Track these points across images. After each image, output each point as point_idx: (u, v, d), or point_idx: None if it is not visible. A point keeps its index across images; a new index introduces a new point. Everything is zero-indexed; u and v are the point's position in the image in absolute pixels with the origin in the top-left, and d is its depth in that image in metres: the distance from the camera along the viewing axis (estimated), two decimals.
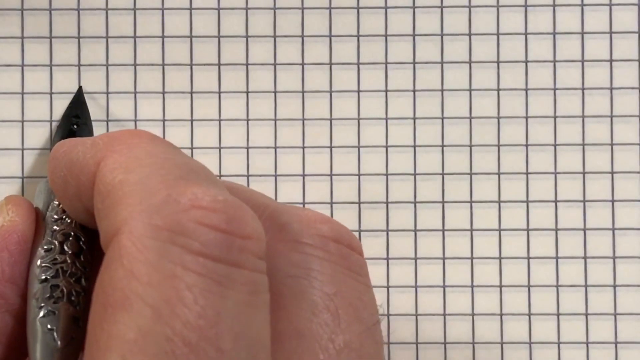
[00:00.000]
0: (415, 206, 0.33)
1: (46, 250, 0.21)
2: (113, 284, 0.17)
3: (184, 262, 0.17)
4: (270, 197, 0.21)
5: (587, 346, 0.33)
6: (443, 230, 0.33)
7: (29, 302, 0.20)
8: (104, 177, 0.19)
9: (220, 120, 0.33)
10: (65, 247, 0.21)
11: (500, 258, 0.33)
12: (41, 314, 0.20)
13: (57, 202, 0.22)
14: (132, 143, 0.19)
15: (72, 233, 0.21)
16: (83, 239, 0.21)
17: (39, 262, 0.21)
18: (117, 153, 0.19)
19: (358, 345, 0.19)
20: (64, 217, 0.22)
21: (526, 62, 0.33)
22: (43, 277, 0.20)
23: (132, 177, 0.18)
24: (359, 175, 0.33)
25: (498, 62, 0.33)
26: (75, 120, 0.32)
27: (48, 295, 0.20)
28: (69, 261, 0.21)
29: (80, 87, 0.32)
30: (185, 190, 0.18)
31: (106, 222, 0.18)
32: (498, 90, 0.33)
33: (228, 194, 0.18)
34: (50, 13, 0.33)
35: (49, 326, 0.19)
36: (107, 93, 0.33)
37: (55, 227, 0.21)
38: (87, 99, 0.33)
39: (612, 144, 0.33)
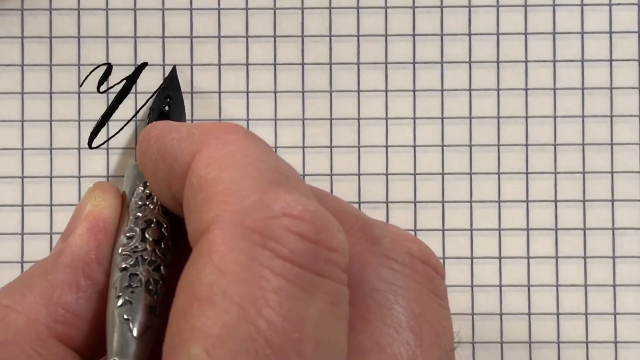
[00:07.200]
0: (415, 206, 0.33)
1: (128, 238, 0.21)
2: (201, 278, 0.17)
3: (272, 265, 0.17)
4: (357, 209, 0.22)
5: (587, 346, 0.33)
6: (443, 230, 0.33)
7: (109, 290, 0.20)
8: (198, 171, 0.19)
9: (220, 121, 0.33)
10: (147, 235, 0.21)
11: (500, 258, 0.33)
12: (119, 303, 0.20)
13: (141, 188, 0.22)
14: (228, 139, 0.20)
15: (155, 220, 0.22)
16: (165, 226, 0.22)
17: (120, 250, 0.21)
18: (212, 148, 0.19)
19: None
20: (147, 203, 0.22)
21: (526, 62, 0.33)
22: (123, 266, 0.21)
23: (226, 175, 0.19)
24: (359, 175, 0.33)
25: (498, 62, 0.33)
26: (166, 102, 0.31)
27: (127, 284, 0.20)
28: (149, 249, 0.21)
29: (174, 67, 0.32)
30: (277, 197, 0.18)
31: (196, 216, 0.19)
32: (498, 90, 0.33)
33: (318, 205, 0.18)
34: (50, 13, 0.33)
35: (125, 316, 0.20)
36: (108, 93, 0.33)
37: (138, 214, 0.22)
38: (87, 98, 0.33)
39: (612, 144, 0.33)
